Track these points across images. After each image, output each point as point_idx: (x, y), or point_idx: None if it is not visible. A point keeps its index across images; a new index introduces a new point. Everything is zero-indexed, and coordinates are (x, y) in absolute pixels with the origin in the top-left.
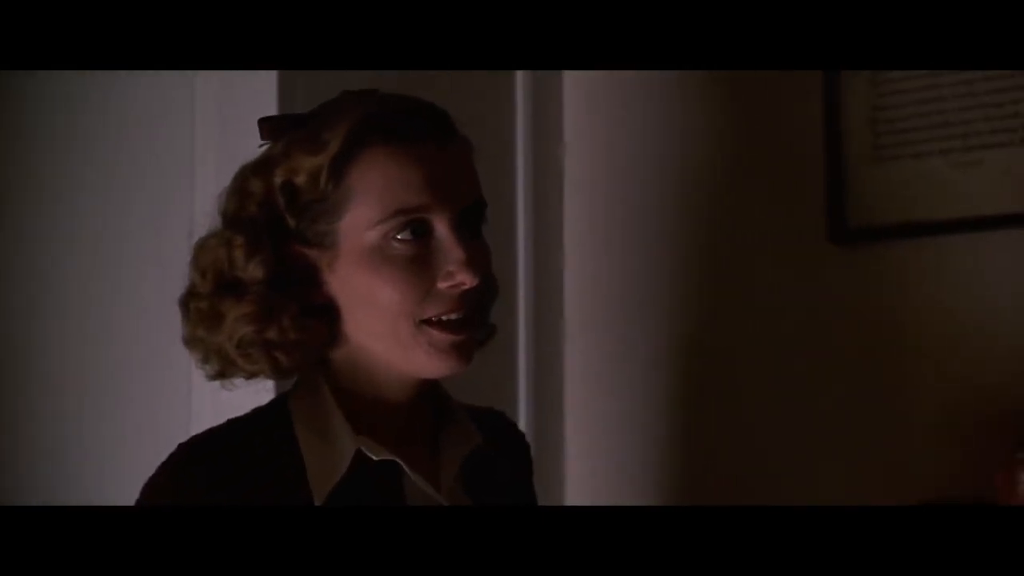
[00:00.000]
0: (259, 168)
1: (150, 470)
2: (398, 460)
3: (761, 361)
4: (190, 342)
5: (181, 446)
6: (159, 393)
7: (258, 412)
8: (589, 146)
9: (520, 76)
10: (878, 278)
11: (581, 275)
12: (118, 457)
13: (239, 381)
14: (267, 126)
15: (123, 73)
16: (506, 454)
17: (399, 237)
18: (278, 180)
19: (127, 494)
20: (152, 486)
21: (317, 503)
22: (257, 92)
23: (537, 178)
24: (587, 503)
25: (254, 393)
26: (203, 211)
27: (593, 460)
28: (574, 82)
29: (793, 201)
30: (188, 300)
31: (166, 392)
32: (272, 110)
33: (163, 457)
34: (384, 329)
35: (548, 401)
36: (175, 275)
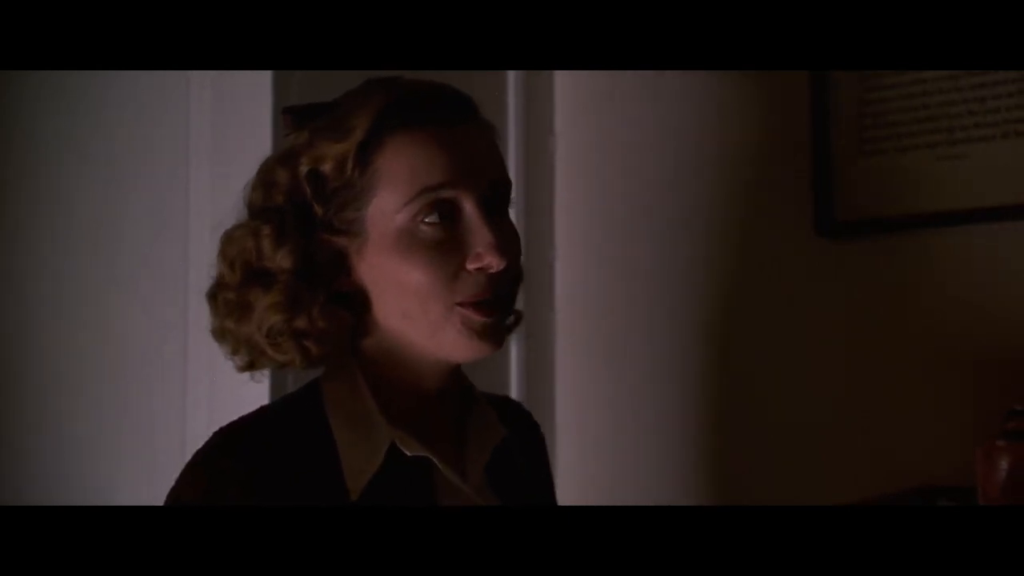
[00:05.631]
0: (284, 158)
1: (146, 467)
2: (431, 456)
3: (749, 352)
4: (219, 334)
5: (215, 435)
6: (154, 390)
7: (291, 401)
8: (580, 139)
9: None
10: (865, 271)
11: (572, 267)
12: (114, 454)
13: (235, 376)
14: (290, 116)
15: (118, 73)
16: (524, 444)
17: (427, 220)
18: (304, 169)
19: (125, 490)
20: (184, 478)
21: (353, 497)
22: (251, 92)
23: (528, 170)
24: (577, 492)
25: (255, 394)
26: (197, 209)
27: (584, 450)
28: (565, 76)
29: (781, 195)
30: (216, 292)
31: (161, 389)
32: (266, 110)
33: (159, 454)
34: (415, 312)
35: (539, 392)
36: (171, 272)
